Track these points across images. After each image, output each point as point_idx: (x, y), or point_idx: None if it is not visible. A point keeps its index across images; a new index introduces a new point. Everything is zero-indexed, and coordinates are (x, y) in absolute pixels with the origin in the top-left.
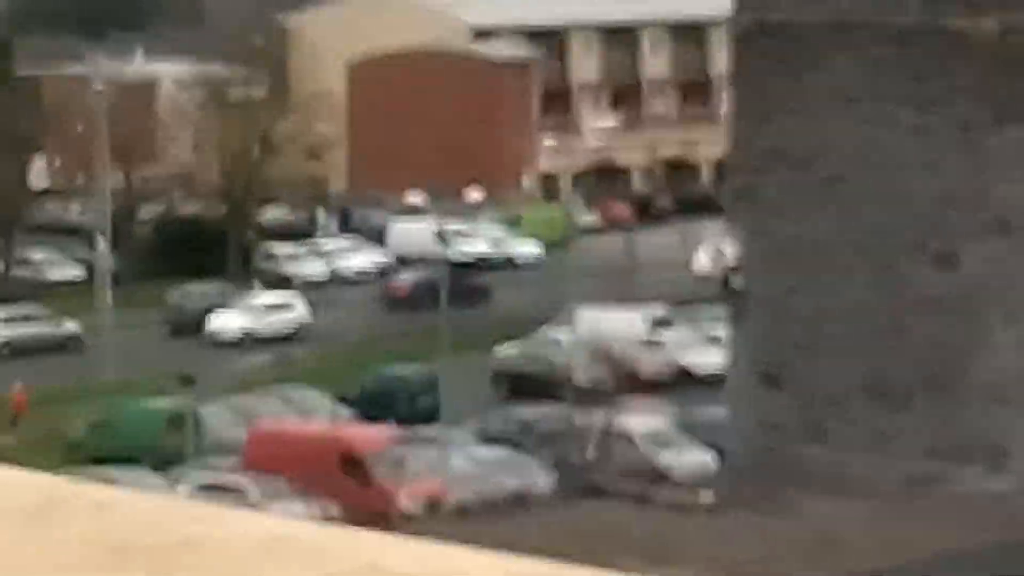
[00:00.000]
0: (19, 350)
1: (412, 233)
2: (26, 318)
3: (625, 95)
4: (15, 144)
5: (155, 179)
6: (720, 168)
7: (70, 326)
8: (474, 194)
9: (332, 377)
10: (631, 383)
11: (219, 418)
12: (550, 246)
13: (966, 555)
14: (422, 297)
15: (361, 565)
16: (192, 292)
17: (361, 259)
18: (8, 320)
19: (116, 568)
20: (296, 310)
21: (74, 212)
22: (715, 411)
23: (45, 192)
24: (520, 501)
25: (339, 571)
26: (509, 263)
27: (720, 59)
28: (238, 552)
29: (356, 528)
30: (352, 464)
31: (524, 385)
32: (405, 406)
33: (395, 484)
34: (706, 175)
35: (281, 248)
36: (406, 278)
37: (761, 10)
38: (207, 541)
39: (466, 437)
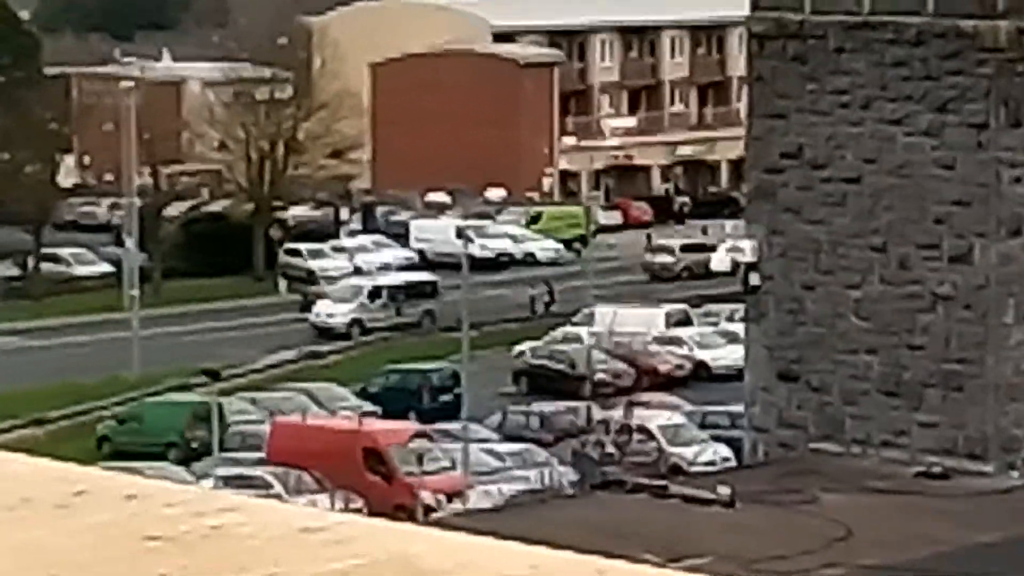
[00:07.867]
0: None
1: (434, 231)
2: (693, 247)
3: (645, 96)
4: (44, 142)
5: (182, 177)
6: (738, 168)
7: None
8: (495, 193)
9: (355, 372)
10: (649, 379)
11: (243, 413)
12: (570, 244)
13: (980, 550)
14: None
15: (386, 556)
16: None
17: (384, 257)
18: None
19: (144, 559)
20: None
21: (102, 209)
22: (732, 406)
23: (74, 189)
24: (539, 495)
25: (364, 561)
26: (529, 261)
27: (738, 60)
28: (264, 543)
29: (380, 520)
30: (375, 458)
31: (544, 381)
32: (427, 401)
33: (417, 478)
34: (725, 174)
35: (305, 246)
36: None
37: (779, 11)
38: (234, 532)
39: (487, 432)
